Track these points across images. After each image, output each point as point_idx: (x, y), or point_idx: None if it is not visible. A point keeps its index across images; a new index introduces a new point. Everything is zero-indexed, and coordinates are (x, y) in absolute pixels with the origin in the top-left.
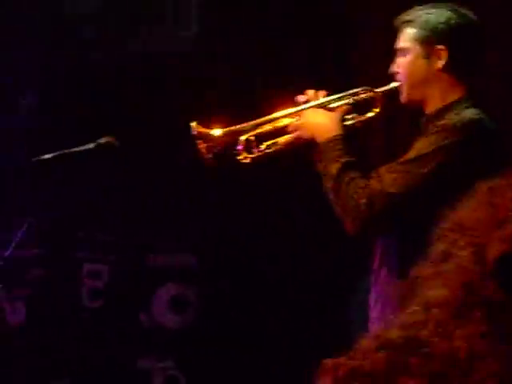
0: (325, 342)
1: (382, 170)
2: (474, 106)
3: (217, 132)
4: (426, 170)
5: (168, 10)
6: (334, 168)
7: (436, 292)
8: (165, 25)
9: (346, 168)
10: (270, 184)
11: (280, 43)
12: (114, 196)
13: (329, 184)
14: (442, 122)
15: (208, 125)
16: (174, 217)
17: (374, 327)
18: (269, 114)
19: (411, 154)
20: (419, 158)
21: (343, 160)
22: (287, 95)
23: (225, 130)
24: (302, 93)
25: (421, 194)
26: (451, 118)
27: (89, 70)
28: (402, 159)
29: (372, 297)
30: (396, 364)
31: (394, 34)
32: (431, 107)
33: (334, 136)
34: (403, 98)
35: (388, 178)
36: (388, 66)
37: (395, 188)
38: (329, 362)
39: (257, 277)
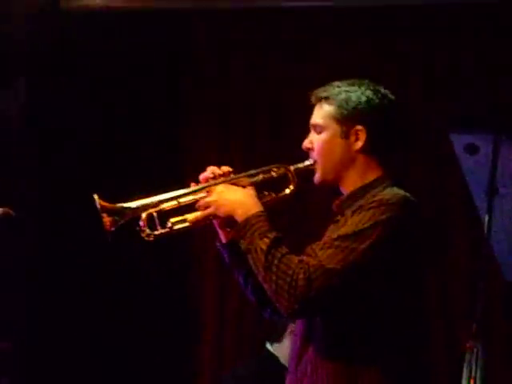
0: None
1: (315, 247)
2: (393, 184)
3: (120, 206)
4: (364, 246)
5: None
6: (263, 244)
7: None
8: None
9: (276, 244)
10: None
11: None
12: None
13: (258, 261)
14: (378, 198)
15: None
16: None
17: None
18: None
19: (347, 229)
20: (357, 233)
21: (271, 236)
22: None
23: (127, 204)
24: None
25: (359, 270)
26: (383, 195)
27: None
28: (335, 235)
29: (292, 379)
30: None
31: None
32: (349, 186)
33: (258, 212)
34: (318, 177)
35: (324, 254)
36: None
37: (334, 263)
38: None
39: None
